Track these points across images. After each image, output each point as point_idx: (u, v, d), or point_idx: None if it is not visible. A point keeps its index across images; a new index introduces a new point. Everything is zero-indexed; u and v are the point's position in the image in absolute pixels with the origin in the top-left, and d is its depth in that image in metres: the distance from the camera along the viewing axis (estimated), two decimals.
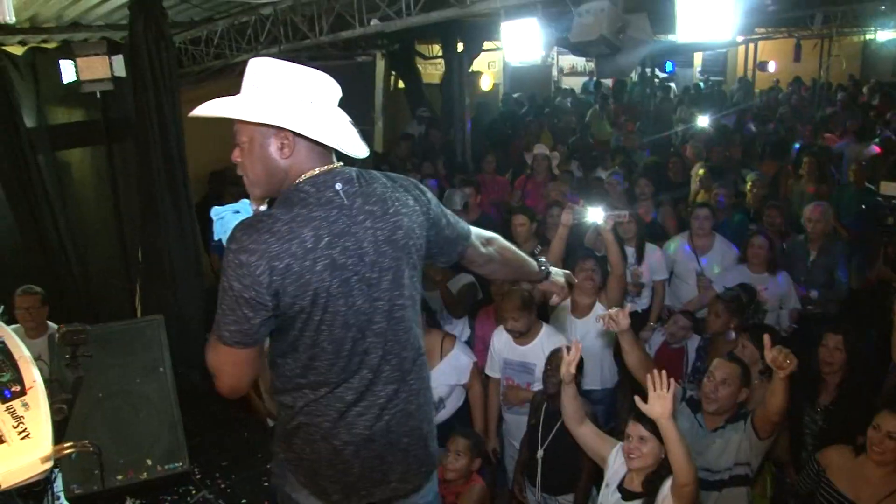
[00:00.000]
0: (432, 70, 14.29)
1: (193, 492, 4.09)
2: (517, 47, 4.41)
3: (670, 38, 7.10)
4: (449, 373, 4.43)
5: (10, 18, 2.66)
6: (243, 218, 2.07)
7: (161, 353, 4.04)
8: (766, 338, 3.20)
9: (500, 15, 7.09)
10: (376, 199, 2.07)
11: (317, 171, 2.01)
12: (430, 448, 2.35)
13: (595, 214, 4.81)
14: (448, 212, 2.34)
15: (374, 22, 5.00)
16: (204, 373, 5.20)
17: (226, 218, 2.26)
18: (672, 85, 17.94)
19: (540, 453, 3.89)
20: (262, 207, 2.16)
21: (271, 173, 2.02)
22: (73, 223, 5.27)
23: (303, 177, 2.00)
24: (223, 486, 4.14)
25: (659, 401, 2.81)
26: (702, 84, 17.71)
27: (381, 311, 2.09)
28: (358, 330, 2.06)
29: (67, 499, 3.56)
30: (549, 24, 4.27)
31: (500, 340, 4.53)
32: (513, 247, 2.65)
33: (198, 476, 4.19)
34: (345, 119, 2.07)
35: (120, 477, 3.66)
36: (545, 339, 4.39)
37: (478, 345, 4.97)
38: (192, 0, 4.99)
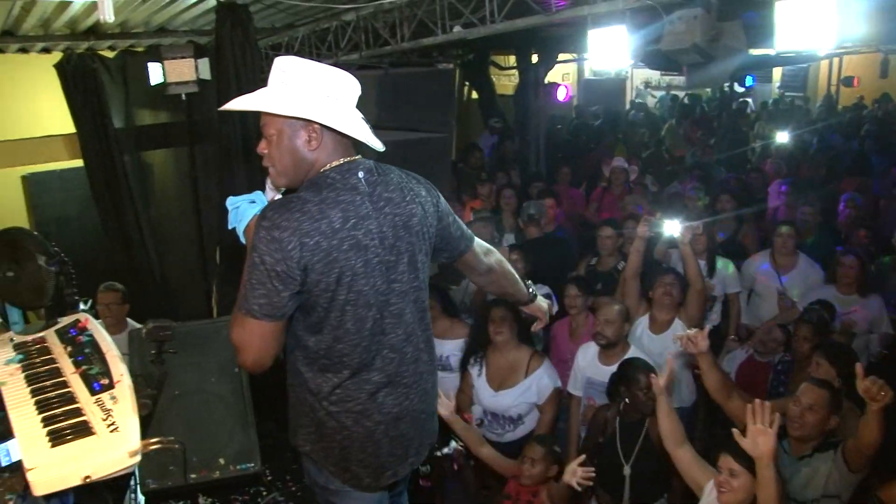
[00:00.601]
0: (505, 81, 14.25)
1: (264, 493, 4.10)
2: (603, 56, 4.30)
3: (759, 51, 6.87)
4: (530, 392, 4.32)
5: (110, 17, 2.71)
6: (259, 207, 2.21)
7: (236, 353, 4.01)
8: (859, 367, 3.01)
9: (585, 24, 7.03)
10: (394, 188, 2.22)
11: (341, 161, 2.14)
12: (436, 421, 2.56)
13: (671, 227, 4.75)
14: (452, 212, 2.46)
15: (456, 29, 4.96)
16: (276, 375, 5.22)
17: (241, 207, 2.31)
18: (749, 100, 17.47)
19: (627, 470, 3.74)
20: (278, 196, 2.29)
21: (298, 164, 2.15)
22: (155, 223, 5.37)
23: (328, 166, 2.13)
24: (294, 488, 4.13)
25: (762, 437, 2.64)
26: (781, 100, 17.17)
27: (397, 293, 2.23)
28: (377, 310, 2.19)
29: (142, 493, 3.59)
30: (636, 32, 4.14)
31: (586, 358, 4.41)
32: (506, 262, 2.75)
33: (269, 478, 4.20)
34: (358, 115, 2.20)
35: (193, 475, 3.67)
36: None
37: (553, 360, 4.86)
38: (278, 6, 5.00)
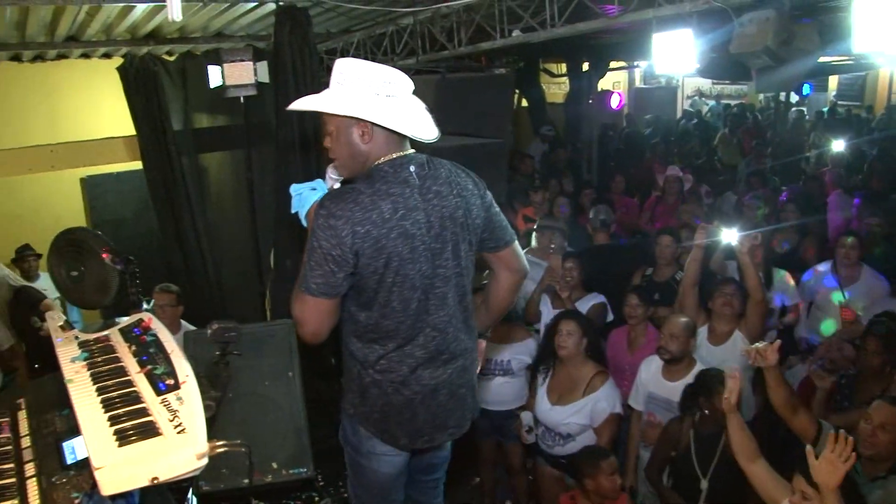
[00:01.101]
0: (555, 89, 14.15)
1: (316, 498, 4.06)
2: (668, 60, 4.19)
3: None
4: (583, 413, 4.23)
5: (178, 16, 2.72)
6: (319, 194, 2.46)
7: (290, 357, 4.00)
8: None
9: (638, 31, 6.92)
10: (443, 182, 2.42)
11: (393, 155, 2.36)
12: (477, 396, 2.74)
13: (729, 236, 4.65)
14: (496, 204, 2.62)
15: (515, 33, 4.90)
16: (328, 380, 5.19)
17: (303, 194, 2.52)
18: (804, 109, 17.11)
19: (704, 484, 3.64)
20: (337, 185, 2.59)
21: (354, 157, 2.39)
22: (211, 225, 5.39)
23: (382, 159, 2.35)
24: (346, 495, 4.07)
25: (829, 467, 2.53)
26: (838, 109, 16.74)
27: (441, 277, 2.44)
28: (423, 292, 2.41)
29: (195, 494, 3.58)
30: (702, 36, 4.03)
31: (649, 372, 4.31)
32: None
33: (321, 483, 4.16)
34: (420, 107, 2.40)
35: (246, 481, 3.64)
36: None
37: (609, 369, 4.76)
38: (337, 9, 5.00)
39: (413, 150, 2.41)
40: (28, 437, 2.50)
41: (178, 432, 1.97)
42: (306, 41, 4.76)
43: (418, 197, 2.34)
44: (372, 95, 2.29)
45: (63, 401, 2.53)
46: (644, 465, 4.20)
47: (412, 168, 2.36)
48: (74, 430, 2.38)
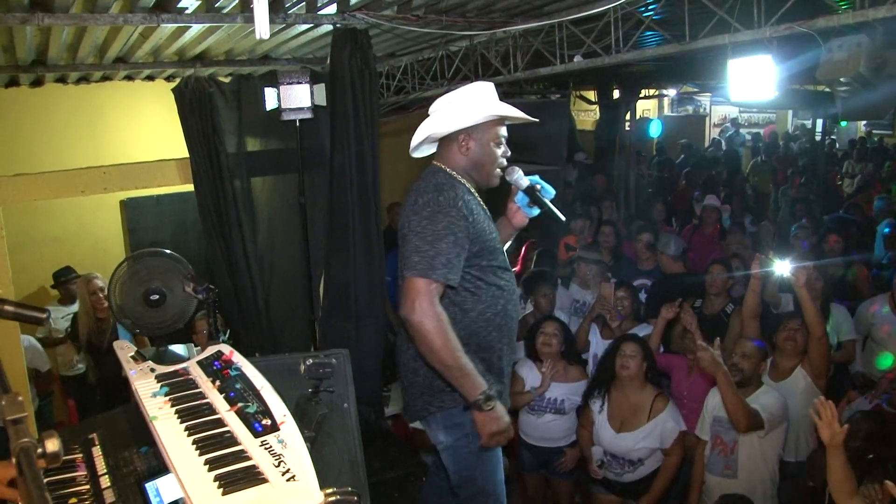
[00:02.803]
0: (584, 117, 14.09)
1: None
2: (746, 88, 4.06)
3: None
4: (653, 436, 4.22)
5: (266, 35, 2.62)
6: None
7: (346, 388, 3.84)
8: None
9: (671, 59, 6.82)
10: (413, 193, 2.81)
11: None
12: (414, 396, 3.05)
13: (782, 267, 4.54)
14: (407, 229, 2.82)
15: (577, 59, 4.80)
16: (378, 410, 5.04)
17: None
18: (834, 138, 16.97)
19: None
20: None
21: None
22: (261, 250, 5.28)
23: None
24: None
25: None
26: (869, 138, 16.58)
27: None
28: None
29: None
30: (781, 63, 3.91)
31: (714, 399, 4.20)
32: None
33: None
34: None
35: None
36: (762, 398, 4.04)
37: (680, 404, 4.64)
38: (393, 31, 4.92)
39: (441, 164, 2.87)
40: (107, 477, 2.35)
41: (288, 480, 1.81)
42: (367, 63, 4.66)
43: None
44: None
45: (140, 437, 2.39)
46: (708, 494, 4.15)
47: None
48: (157, 470, 2.24)
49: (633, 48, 4.49)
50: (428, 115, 2.91)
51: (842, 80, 3.49)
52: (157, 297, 2.98)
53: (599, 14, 4.54)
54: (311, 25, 5.06)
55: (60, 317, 6.42)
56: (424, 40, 5.89)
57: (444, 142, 2.88)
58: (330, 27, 4.90)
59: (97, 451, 2.52)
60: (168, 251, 3.51)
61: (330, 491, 1.86)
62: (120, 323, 4.04)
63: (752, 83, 4.00)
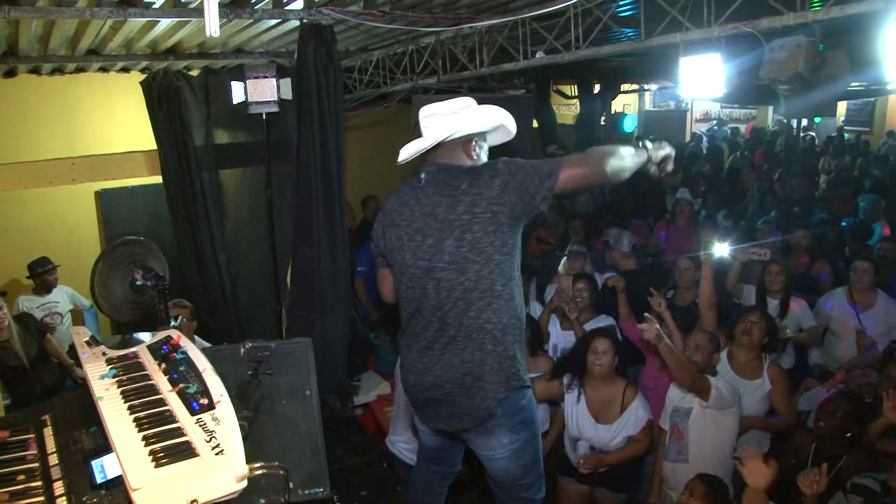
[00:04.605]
0: (566, 111, 14.19)
1: None
2: (695, 85, 4.18)
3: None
4: (628, 426, 4.34)
5: (216, 32, 2.71)
6: None
7: (308, 376, 3.94)
8: None
9: (649, 54, 6.92)
10: (444, 184, 2.73)
11: (423, 166, 2.86)
12: (476, 403, 2.76)
13: (721, 249, 4.83)
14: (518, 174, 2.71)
15: (539, 55, 4.89)
16: (343, 399, 5.13)
17: None
18: (813, 134, 17.15)
19: None
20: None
21: None
22: (228, 241, 5.37)
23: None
24: None
25: None
26: (846, 135, 16.76)
27: (422, 268, 2.76)
28: (409, 279, 2.82)
29: None
30: (730, 61, 4.02)
31: (675, 390, 4.33)
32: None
33: (337, 503, 4.11)
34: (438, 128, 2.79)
35: (263, 501, 3.58)
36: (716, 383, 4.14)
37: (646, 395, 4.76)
38: (359, 27, 5.01)
39: (438, 161, 2.82)
40: (55, 455, 2.46)
41: (217, 454, 1.93)
42: (331, 59, 4.75)
43: (411, 195, 2.82)
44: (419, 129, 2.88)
45: (90, 418, 2.49)
46: (666, 482, 4.29)
47: (423, 174, 2.81)
48: (103, 449, 2.33)
49: (592, 45, 4.58)
50: (416, 116, 2.92)
51: (782, 78, 3.60)
52: (140, 283, 3.09)
53: (561, 11, 4.64)
54: (279, 21, 5.13)
55: (36, 307, 6.49)
56: (391, 36, 5.97)
57: (448, 145, 2.82)
58: (297, 22, 4.98)
59: (48, 432, 2.63)
60: (141, 238, 3.61)
61: (258, 465, 1.97)
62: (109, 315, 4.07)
63: (701, 80, 4.11)
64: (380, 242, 2.94)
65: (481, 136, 2.87)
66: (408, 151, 2.87)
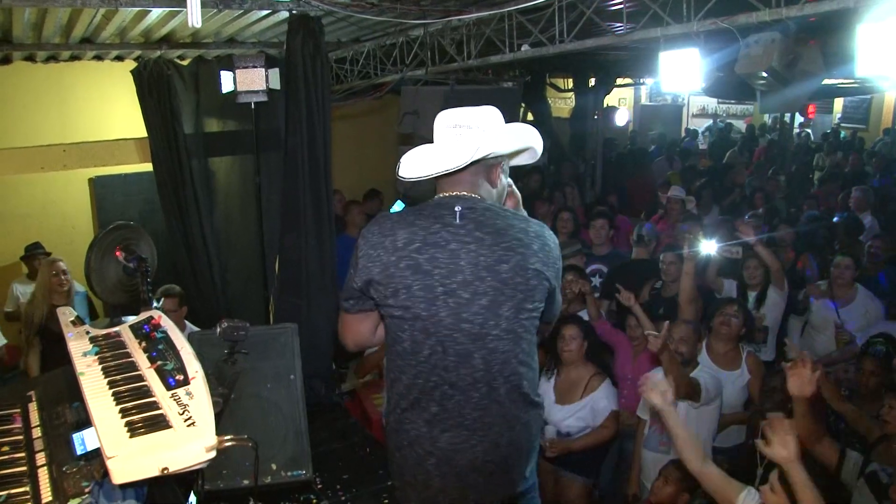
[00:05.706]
0: (561, 104, 14.25)
1: (314, 501, 4.10)
2: (674, 78, 4.26)
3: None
4: (584, 412, 4.40)
5: (198, 23, 2.78)
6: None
7: (293, 361, 4.05)
8: None
9: (645, 48, 6.99)
10: (491, 231, 2.23)
11: (445, 193, 2.32)
12: (515, 478, 2.40)
13: (707, 247, 4.91)
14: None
15: (524, 48, 4.98)
16: (329, 384, 5.20)
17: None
18: (808, 131, 17.22)
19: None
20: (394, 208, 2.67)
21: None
22: (218, 228, 5.45)
23: (438, 195, 2.34)
24: (344, 498, 4.13)
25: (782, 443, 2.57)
26: (842, 133, 16.84)
27: (466, 333, 2.22)
28: (438, 341, 2.23)
29: (195, 493, 3.61)
30: (708, 56, 4.11)
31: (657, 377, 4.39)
32: None
33: (319, 486, 4.20)
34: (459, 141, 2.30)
35: (246, 482, 3.68)
36: (701, 375, 4.23)
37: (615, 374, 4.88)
38: (348, 19, 5.08)
39: (476, 196, 2.30)
40: (39, 428, 2.56)
41: (188, 425, 2.02)
42: (319, 50, 4.82)
43: (447, 236, 2.21)
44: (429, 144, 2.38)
45: (74, 394, 2.58)
46: (646, 471, 4.33)
47: (458, 208, 2.24)
48: (85, 422, 2.43)
49: (576, 39, 4.67)
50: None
51: (757, 73, 3.68)
52: (132, 265, 3.18)
53: (546, 5, 4.72)
54: (269, 12, 5.20)
55: (30, 292, 6.56)
56: (381, 28, 6.05)
57: (474, 168, 2.29)
58: (286, 13, 5.06)
59: (33, 407, 2.73)
60: (132, 223, 3.68)
61: (228, 437, 2.05)
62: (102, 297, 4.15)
63: (680, 74, 4.19)
64: (375, 279, 2.27)
65: (505, 158, 2.39)
66: (423, 168, 2.30)
